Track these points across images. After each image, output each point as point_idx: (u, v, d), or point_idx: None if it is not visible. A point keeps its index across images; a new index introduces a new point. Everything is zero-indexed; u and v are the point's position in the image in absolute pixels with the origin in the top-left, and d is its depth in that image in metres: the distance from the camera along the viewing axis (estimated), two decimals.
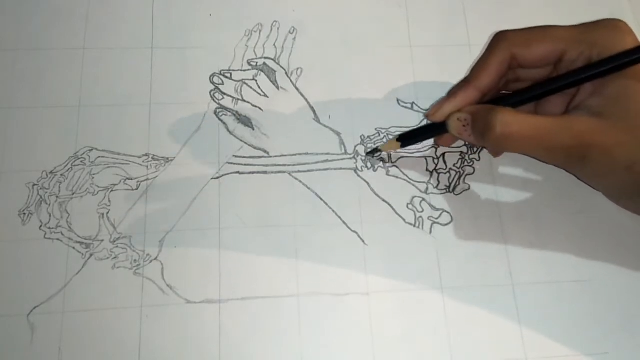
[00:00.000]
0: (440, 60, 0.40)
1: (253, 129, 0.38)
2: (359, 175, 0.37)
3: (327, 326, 0.34)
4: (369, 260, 0.35)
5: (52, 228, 0.34)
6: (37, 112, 0.37)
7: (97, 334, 0.33)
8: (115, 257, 0.34)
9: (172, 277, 0.34)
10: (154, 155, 0.37)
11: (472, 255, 0.35)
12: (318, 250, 0.35)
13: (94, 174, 0.36)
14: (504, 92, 0.35)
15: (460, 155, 0.38)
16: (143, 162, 0.36)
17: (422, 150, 0.38)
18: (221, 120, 0.38)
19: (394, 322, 0.34)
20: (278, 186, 0.36)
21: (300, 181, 0.37)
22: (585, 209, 0.37)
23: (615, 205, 0.36)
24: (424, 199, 0.37)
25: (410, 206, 0.36)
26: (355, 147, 0.38)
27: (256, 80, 0.39)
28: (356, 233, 0.36)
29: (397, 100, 0.39)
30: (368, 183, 0.37)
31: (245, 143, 0.37)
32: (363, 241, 0.35)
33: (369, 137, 0.38)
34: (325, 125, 0.38)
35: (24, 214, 0.35)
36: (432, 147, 0.38)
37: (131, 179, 0.36)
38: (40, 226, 0.34)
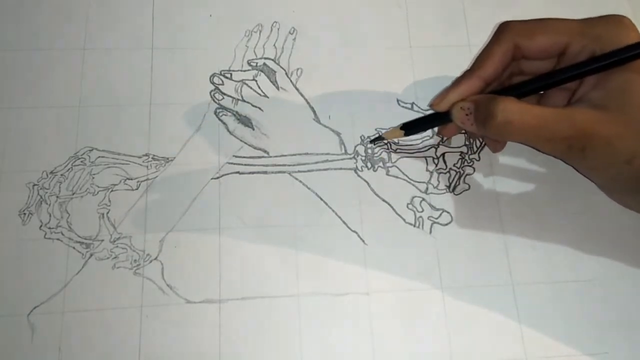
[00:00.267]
0: (440, 61, 0.40)
1: (253, 129, 0.38)
2: (359, 175, 0.37)
3: (327, 326, 0.34)
4: (369, 260, 0.35)
5: (52, 228, 0.34)
6: (37, 112, 0.37)
7: (97, 334, 0.33)
8: (115, 257, 0.34)
9: (172, 277, 0.34)
10: (154, 155, 0.37)
11: (472, 255, 0.35)
12: (318, 250, 0.35)
13: (94, 174, 0.36)
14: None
15: (460, 155, 0.38)
16: (143, 162, 0.36)
17: (422, 150, 0.38)
18: (221, 120, 0.38)
19: (394, 322, 0.34)
20: (278, 186, 0.36)
21: (300, 181, 0.37)
22: (585, 209, 0.37)
23: (615, 205, 0.36)
24: (424, 199, 0.37)
25: (410, 206, 0.36)
26: (355, 147, 0.38)
27: (256, 81, 0.39)
28: (356, 233, 0.36)
29: (397, 100, 0.39)
30: (368, 183, 0.37)
31: (245, 143, 0.37)
32: (363, 241, 0.35)
33: (369, 137, 0.38)
34: (325, 125, 0.38)
35: (24, 214, 0.35)
36: (431, 147, 0.38)
37: (131, 179, 0.36)
38: (41, 226, 0.34)
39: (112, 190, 0.36)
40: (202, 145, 0.37)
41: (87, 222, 0.35)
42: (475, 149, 0.38)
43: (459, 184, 0.37)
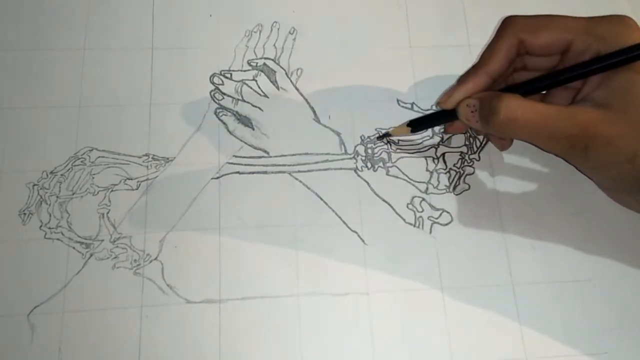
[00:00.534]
0: (440, 61, 0.40)
1: (253, 129, 0.38)
2: (359, 175, 0.37)
3: (327, 326, 0.34)
4: (369, 260, 0.35)
5: (52, 228, 0.34)
6: (37, 112, 0.37)
7: (97, 334, 0.33)
8: (115, 257, 0.34)
9: (172, 277, 0.34)
10: (154, 155, 0.37)
11: (472, 255, 0.35)
12: (318, 250, 0.35)
13: (94, 174, 0.36)
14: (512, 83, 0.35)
15: (460, 155, 0.38)
16: (143, 162, 0.36)
17: (422, 150, 0.38)
18: (221, 120, 0.38)
19: (394, 322, 0.34)
20: (278, 186, 0.36)
21: (300, 181, 0.37)
22: (585, 210, 0.37)
23: (615, 205, 0.36)
24: (424, 199, 0.37)
25: (410, 206, 0.36)
26: (355, 147, 0.38)
27: (256, 81, 0.39)
28: (356, 233, 0.36)
29: (397, 100, 0.39)
30: (368, 183, 0.37)
31: (245, 143, 0.37)
32: (363, 241, 0.35)
33: (369, 137, 0.38)
34: (325, 125, 0.38)
35: (24, 214, 0.35)
36: (431, 147, 0.38)
37: (131, 179, 0.36)
38: (41, 226, 0.34)
39: (112, 190, 0.36)
40: (202, 145, 0.37)
41: (87, 222, 0.35)
42: (475, 149, 0.38)
43: (459, 184, 0.37)
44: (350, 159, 0.37)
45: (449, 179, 0.37)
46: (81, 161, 0.36)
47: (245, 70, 0.39)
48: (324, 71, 0.39)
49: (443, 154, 0.38)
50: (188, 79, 0.39)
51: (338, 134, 0.38)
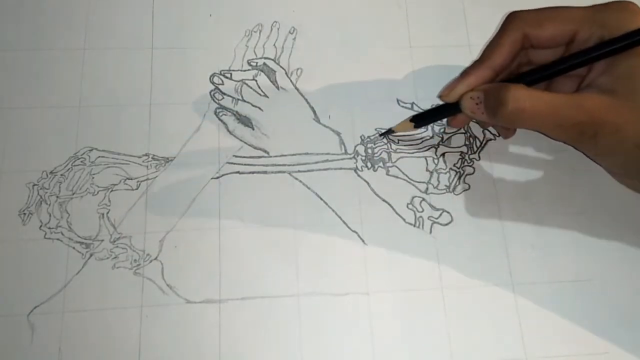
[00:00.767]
0: (440, 61, 0.40)
1: (253, 129, 0.38)
2: (359, 175, 0.37)
3: (327, 326, 0.34)
4: (369, 260, 0.35)
5: (52, 228, 0.34)
6: (37, 112, 0.37)
7: (97, 334, 0.33)
8: (115, 257, 0.34)
9: (172, 277, 0.34)
10: (154, 155, 0.37)
11: (472, 255, 0.35)
12: (318, 250, 0.35)
13: (94, 174, 0.36)
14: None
15: (460, 155, 0.38)
16: (143, 162, 0.36)
17: (422, 150, 0.38)
18: (221, 120, 0.38)
19: (394, 322, 0.34)
20: (278, 186, 0.36)
21: (300, 181, 0.37)
22: (585, 210, 0.37)
23: (615, 205, 0.36)
24: (424, 199, 0.37)
25: (410, 206, 0.36)
26: (355, 147, 0.38)
27: (256, 81, 0.39)
28: (356, 233, 0.36)
29: (397, 100, 0.39)
30: (368, 183, 0.37)
31: (245, 143, 0.37)
32: (363, 241, 0.35)
33: (369, 137, 0.38)
34: (325, 125, 0.38)
35: (24, 214, 0.35)
36: (431, 147, 0.38)
37: (131, 179, 0.36)
38: (40, 226, 0.34)
39: (112, 190, 0.36)
40: (202, 145, 0.37)
41: (87, 222, 0.35)
42: (475, 149, 0.38)
43: (459, 184, 0.37)
44: (350, 159, 0.37)
45: (449, 179, 0.37)
46: (81, 161, 0.36)
47: (245, 70, 0.39)
48: (324, 71, 0.39)
49: (443, 154, 0.38)
50: (188, 79, 0.39)
51: (338, 134, 0.38)
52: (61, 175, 0.36)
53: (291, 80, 0.39)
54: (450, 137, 0.38)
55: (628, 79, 0.30)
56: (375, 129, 0.38)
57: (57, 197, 0.35)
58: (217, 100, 0.38)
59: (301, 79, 0.39)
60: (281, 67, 0.40)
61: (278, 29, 0.41)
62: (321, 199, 0.36)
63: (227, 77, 0.39)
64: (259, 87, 0.39)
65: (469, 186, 0.37)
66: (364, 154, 0.37)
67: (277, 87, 0.39)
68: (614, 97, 0.30)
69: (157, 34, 0.40)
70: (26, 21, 0.39)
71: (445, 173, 0.37)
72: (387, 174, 0.37)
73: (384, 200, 0.36)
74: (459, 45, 0.41)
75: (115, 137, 0.37)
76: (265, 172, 0.37)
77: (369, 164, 0.37)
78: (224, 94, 0.39)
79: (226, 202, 0.36)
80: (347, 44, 0.40)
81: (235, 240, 0.35)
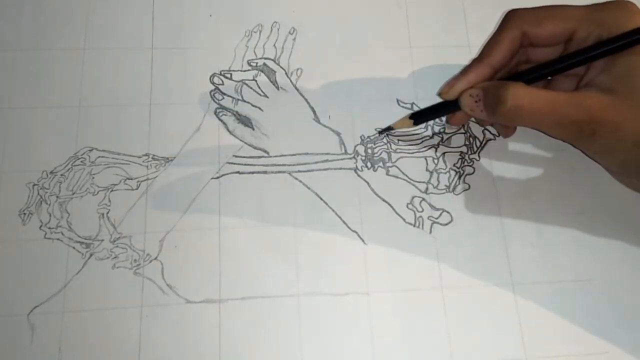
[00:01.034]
0: (440, 61, 0.40)
1: (253, 129, 0.38)
2: (359, 175, 0.37)
3: (327, 326, 0.34)
4: (369, 260, 0.35)
5: (52, 228, 0.34)
6: (37, 112, 0.37)
7: (97, 334, 0.33)
8: (115, 257, 0.34)
9: (172, 277, 0.34)
10: (154, 155, 0.37)
11: (472, 255, 0.35)
12: (318, 250, 0.35)
13: (94, 174, 0.36)
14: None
15: (460, 155, 0.38)
16: (143, 162, 0.36)
17: (422, 150, 0.38)
18: (221, 120, 0.38)
19: (394, 322, 0.34)
20: (278, 186, 0.36)
21: (300, 181, 0.37)
22: (585, 209, 0.37)
23: (615, 205, 0.36)
24: (424, 199, 0.37)
25: (410, 206, 0.36)
26: (355, 147, 0.38)
27: (256, 81, 0.39)
28: (356, 233, 0.36)
29: (397, 100, 0.39)
30: (368, 183, 0.37)
31: (245, 143, 0.37)
32: (363, 241, 0.35)
33: (369, 137, 0.38)
34: (325, 125, 0.38)
35: (24, 214, 0.35)
36: (431, 147, 0.38)
37: (131, 179, 0.36)
38: (41, 226, 0.34)
39: (112, 190, 0.36)
40: (202, 145, 0.37)
41: (87, 222, 0.35)
42: (475, 149, 0.38)
43: (459, 184, 0.37)
44: (350, 158, 0.37)
45: (449, 179, 0.37)
46: (81, 161, 0.36)
47: (245, 70, 0.39)
48: (324, 71, 0.40)
49: (443, 154, 0.38)
50: (188, 79, 0.39)
51: (338, 134, 0.38)
52: (61, 175, 0.36)
53: (291, 81, 0.39)
54: (450, 137, 0.38)
55: (627, 77, 0.30)
56: (375, 129, 0.38)
57: (57, 197, 0.35)
58: (217, 101, 0.38)
59: (301, 79, 0.39)
60: (281, 67, 0.40)
61: (278, 29, 0.41)
62: (321, 198, 0.36)
63: (227, 77, 0.39)
64: (259, 87, 0.39)
65: (469, 186, 0.37)
66: (364, 154, 0.37)
67: (277, 87, 0.39)
68: (613, 96, 0.30)
69: (157, 34, 0.40)
70: (26, 21, 0.39)
71: (445, 173, 0.37)
72: (387, 174, 0.37)
73: (384, 200, 0.36)
74: (459, 45, 0.41)
75: (115, 137, 0.37)
76: (265, 172, 0.37)
77: (369, 164, 0.37)
78: (224, 94, 0.39)
79: (226, 202, 0.36)
80: (347, 44, 0.40)
81: (235, 240, 0.35)
